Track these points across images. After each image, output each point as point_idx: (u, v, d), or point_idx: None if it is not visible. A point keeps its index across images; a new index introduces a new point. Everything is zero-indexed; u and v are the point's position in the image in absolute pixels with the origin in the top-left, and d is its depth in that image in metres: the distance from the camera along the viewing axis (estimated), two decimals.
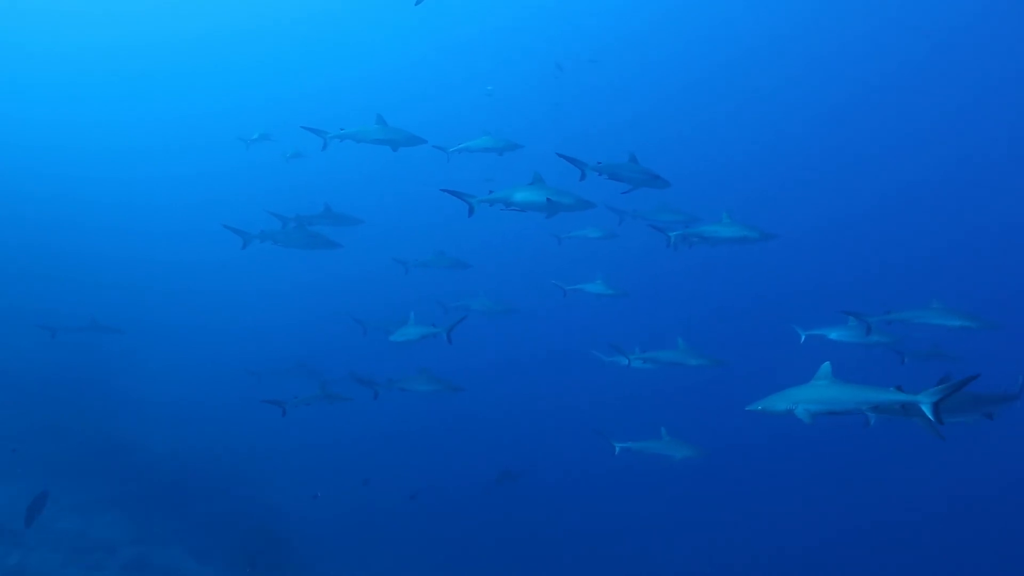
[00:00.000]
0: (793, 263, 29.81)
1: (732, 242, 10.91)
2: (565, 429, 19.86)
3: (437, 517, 16.08)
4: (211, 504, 14.50)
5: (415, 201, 34.62)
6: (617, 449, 11.51)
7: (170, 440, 17.20)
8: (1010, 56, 37.89)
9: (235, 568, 12.57)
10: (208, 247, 27.80)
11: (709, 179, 34.77)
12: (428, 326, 11.17)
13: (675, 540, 16.53)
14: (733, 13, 42.92)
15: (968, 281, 26.91)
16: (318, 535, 14.63)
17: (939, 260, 30.81)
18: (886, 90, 41.14)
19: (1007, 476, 18.58)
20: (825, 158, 39.89)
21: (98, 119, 49.80)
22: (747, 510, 17.79)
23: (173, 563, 12.19)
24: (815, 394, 6.52)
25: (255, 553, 13.12)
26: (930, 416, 5.98)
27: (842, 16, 41.02)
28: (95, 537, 12.31)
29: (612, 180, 10.43)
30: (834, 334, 11.52)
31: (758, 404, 6.82)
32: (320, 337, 24.49)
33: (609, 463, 12.45)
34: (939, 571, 15.52)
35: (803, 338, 11.80)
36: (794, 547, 16.22)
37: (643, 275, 25.18)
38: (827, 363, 6.57)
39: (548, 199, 9.61)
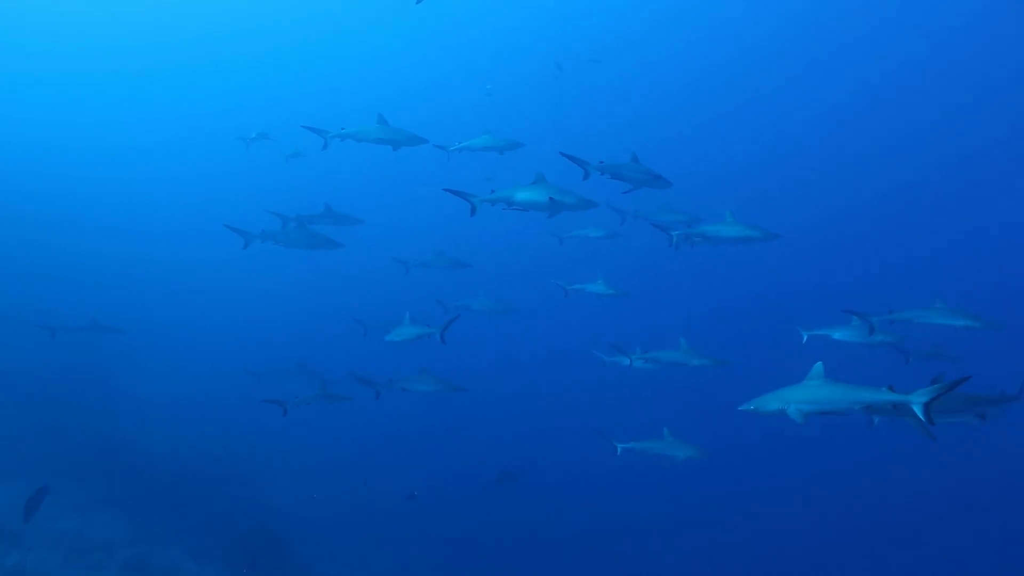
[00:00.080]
0: (794, 263, 29.77)
1: (736, 242, 10.84)
2: (565, 429, 19.85)
3: (437, 517, 16.04)
4: (211, 504, 14.47)
5: (415, 201, 34.64)
6: (619, 449, 11.43)
7: (170, 440, 17.19)
8: (1010, 56, 37.89)
9: (234, 568, 12.55)
10: (208, 247, 27.81)
11: (710, 179, 34.75)
12: (423, 326, 11.14)
13: (675, 540, 16.49)
14: (733, 13, 42.92)
15: (969, 281, 26.90)
16: (318, 535, 14.60)
17: (940, 260, 30.78)
18: (887, 90, 41.14)
19: (1007, 476, 18.58)
20: (827, 158, 39.86)
21: (98, 119, 49.80)
22: (747, 510, 17.77)
23: (172, 563, 12.17)
24: (807, 394, 6.50)
25: (255, 553, 13.09)
26: (921, 416, 5.98)
27: (843, 16, 41.01)
28: (94, 537, 12.29)
29: (614, 180, 10.40)
30: (837, 334, 11.45)
31: (751, 404, 6.80)
32: (320, 337, 24.47)
33: (609, 463, 12.43)
34: (939, 571, 15.52)
35: (805, 338, 11.74)
36: (794, 547, 16.19)
37: (644, 275, 25.18)
38: (819, 363, 6.56)
39: (551, 198, 9.57)
